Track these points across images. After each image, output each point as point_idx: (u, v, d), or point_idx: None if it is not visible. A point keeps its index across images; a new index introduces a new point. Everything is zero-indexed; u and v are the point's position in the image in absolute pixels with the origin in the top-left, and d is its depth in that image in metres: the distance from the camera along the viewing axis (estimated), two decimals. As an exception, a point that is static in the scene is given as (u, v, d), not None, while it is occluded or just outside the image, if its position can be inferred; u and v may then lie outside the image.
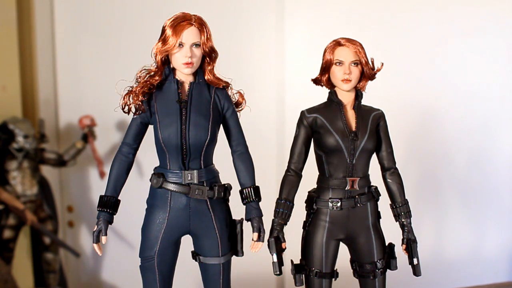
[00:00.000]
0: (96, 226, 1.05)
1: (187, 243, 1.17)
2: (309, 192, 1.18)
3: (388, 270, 1.20)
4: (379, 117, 1.19)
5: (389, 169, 1.20)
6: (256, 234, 1.09)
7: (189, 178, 1.05)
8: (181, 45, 1.07)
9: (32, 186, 2.57)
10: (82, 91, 2.79)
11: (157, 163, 1.11)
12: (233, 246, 1.12)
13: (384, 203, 1.24)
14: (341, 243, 1.19)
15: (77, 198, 2.96)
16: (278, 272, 1.09)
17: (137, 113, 1.08)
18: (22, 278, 2.60)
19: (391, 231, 1.26)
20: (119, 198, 1.09)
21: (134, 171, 2.72)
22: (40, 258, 2.70)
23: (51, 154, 2.68)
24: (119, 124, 2.76)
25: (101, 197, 1.07)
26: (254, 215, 1.09)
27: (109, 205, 1.06)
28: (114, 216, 1.08)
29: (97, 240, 1.05)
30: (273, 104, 2.65)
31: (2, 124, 2.47)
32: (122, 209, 2.44)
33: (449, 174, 2.92)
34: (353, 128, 1.14)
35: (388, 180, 1.20)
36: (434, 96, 2.75)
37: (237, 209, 1.16)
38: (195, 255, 1.12)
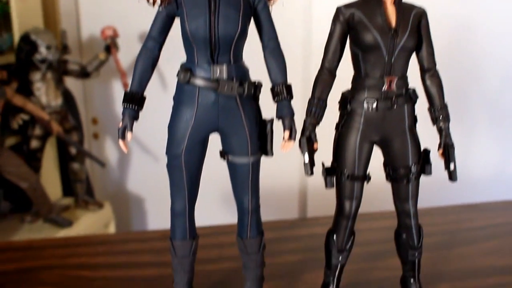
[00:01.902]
0: (121, 123, 1.02)
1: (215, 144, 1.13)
2: (343, 92, 1.12)
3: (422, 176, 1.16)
4: (421, 15, 1.10)
5: (429, 70, 1.12)
6: (287, 133, 1.04)
7: (218, 73, 1.00)
8: None
9: (57, 97, 2.56)
10: (103, 1, 2.71)
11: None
12: (263, 146, 1.07)
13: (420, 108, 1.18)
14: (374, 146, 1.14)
15: (101, 110, 2.96)
16: (309, 173, 1.05)
17: (162, 4, 1.01)
18: (50, 187, 2.65)
19: (424, 139, 1.20)
20: (144, 95, 1.04)
21: (157, 84, 2.69)
22: (67, 168, 2.74)
23: (74, 65, 2.65)
24: (142, 35, 2.69)
25: (125, 93, 1.02)
26: (286, 113, 1.04)
27: (135, 100, 1.01)
28: (140, 113, 1.04)
29: (122, 136, 1.01)
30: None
31: (24, 35, 2.43)
32: (146, 122, 2.43)
33: (479, 91, 2.83)
34: (393, 25, 1.06)
35: (427, 82, 1.13)
36: (472, 9, 2.62)
37: (264, 113, 1.11)
38: (223, 154, 1.08)
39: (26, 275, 1.39)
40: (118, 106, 2.83)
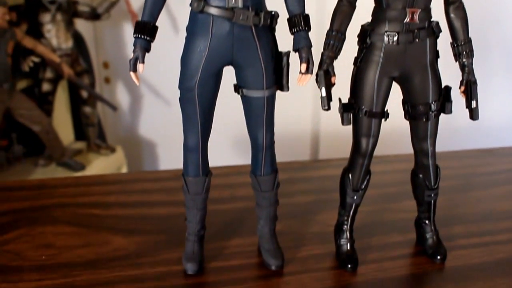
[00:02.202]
0: (132, 54, 0.98)
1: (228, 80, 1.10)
2: (362, 25, 1.07)
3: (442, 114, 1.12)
4: None
5: (454, 2, 1.06)
6: (304, 65, 1.00)
7: (233, 2, 0.95)
8: None
9: (67, 39, 2.53)
10: None
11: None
12: (278, 80, 1.04)
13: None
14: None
15: (113, 54, 2.93)
16: (326, 107, 1.02)
17: None
18: (62, 131, 2.65)
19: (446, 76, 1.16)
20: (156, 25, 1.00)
21: (168, 28, 2.63)
22: (78, 112, 2.73)
23: (84, 7, 2.59)
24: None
25: (137, 23, 0.98)
26: (303, 45, 1.00)
27: (146, 30, 0.98)
28: (152, 43, 1.00)
29: (134, 68, 0.98)
30: None
31: (32, -25, 2.38)
32: (158, 66, 2.39)
33: (499, 38, 2.76)
34: (418, -48, 1.00)
35: (451, 14, 1.07)
36: None
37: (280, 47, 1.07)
38: (237, 87, 1.05)
39: (39, 212, 1.40)
40: (130, 50, 2.77)
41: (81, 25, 2.69)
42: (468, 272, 1.15)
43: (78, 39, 2.64)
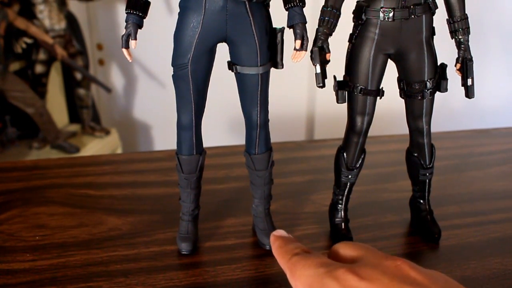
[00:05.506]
0: (125, 30, 0.97)
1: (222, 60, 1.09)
2: (357, 1, 1.06)
3: (437, 92, 1.11)
4: None
5: (450, -22, 1.05)
6: (298, 42, 0.98)
7: (226, -24, 0.93)
8: None
9: (60, 20, 2.50)
10: None
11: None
12: (273, 56, 1.03)
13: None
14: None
15: (107, 36, 2.90)
16: (321, 84, 1.01)
17: None
18: (57, 114, 2.63)
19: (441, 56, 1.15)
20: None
21: (162, 9, 2.61)
22: (72, 94, 2.71)
23: (77, -13, 2.56)
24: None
25: (128, -1, 0.97)
26: (298, 21, 0.98)
27: (139, 6, 0.96)
28: (144, 20, 0.99)
29: (126, 44, 0.97)
30: None
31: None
32: (152, 48, 2.36)
33: (494, 18, 2.75)
34: None
35: (448, -10, 1.06)
36: None
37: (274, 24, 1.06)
38: (231, 65, 1.03)
39: (33, 193, 1.39)
40: (124, 31, 2.77)
41: (74, 6, 2.66)
42: (462, 251, 1.15)
43: (71, 20, 2.62)
